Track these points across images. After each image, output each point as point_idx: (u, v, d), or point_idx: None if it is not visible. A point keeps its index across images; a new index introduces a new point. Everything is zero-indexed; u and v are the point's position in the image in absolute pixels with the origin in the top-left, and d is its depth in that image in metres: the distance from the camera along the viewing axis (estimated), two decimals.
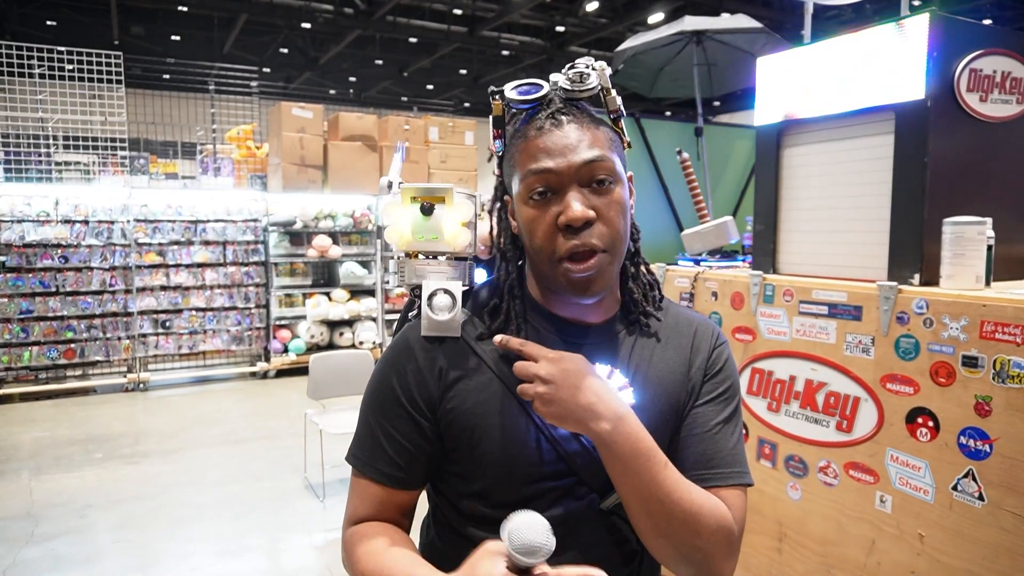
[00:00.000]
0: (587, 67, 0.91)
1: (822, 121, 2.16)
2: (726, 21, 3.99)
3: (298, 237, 7.61)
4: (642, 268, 1.02)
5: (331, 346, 7.60)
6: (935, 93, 1.83)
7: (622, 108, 0.94)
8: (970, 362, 1.67)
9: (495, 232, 1.00)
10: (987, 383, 1.64)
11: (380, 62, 16.44)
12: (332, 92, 18.67)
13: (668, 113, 15.61)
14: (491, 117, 0.94)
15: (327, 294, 7.68)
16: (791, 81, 2.25)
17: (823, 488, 2.06)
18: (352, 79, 17.91)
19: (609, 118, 0.94)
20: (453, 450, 0.93)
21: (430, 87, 18.64)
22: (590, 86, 0.90)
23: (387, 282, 7.97)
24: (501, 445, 0.89)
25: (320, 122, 7.54)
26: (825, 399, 2.05)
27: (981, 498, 1.66)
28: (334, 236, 7.77)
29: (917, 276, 1.86)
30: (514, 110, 0.93)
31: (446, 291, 0.92)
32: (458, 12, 13.23)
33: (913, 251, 1.87)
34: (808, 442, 2.11)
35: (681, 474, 0.88)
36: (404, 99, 19.36)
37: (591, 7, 12.83)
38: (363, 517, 0.94)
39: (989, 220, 1.77)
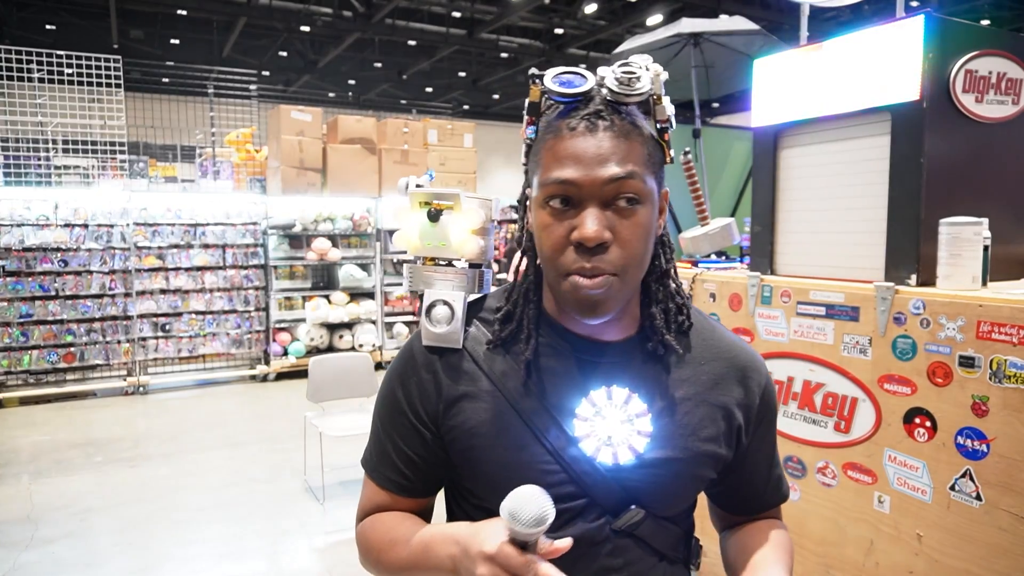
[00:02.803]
0: (641, 67, 0.82)
1: (819, 122, 2.17)
2: (723, 23, 4.00)
3: (297, 240, 7.61)
4: (671, 289, 0.93)
5: (331, 349, 7.60)
6: (931, 94, 1.83)
7: (672, 119, 0.85)
8: (967, 362, 1.68)
9: (519, 226, 0.93)
10: (984, 383, 1.64)
11: (379, 65, 16.46)
12: (331, 95, 18.69)
13: None
14: (527, 102, 0.85)
15: (326, 297, 7.68)
16: (788, 83, 2.26)
17: (821, 489, 2.07)
18: (351, 82, 17.92)
19: (656, 127, 0.85)
20: (456, 467, 0.91)
21: (429, 89, 18.66)
22: (639, 90, 0.81)
23: (388, 285, 7.97)
24: (502, 465, 0.86)
25: (319, 125, 7.54)
26: (823, 400, 2.06)
27: (979, 498, 1.66)
28: (333, 239, 7.78)
29: (914, 277, 1.86)
30: (551, 101, 0.85)
31: (444, 302, 0.89)
32: (457, 14, 13.24)
33: (910, 252, 1.88)
34: (806, 443, 2.11)
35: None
36: (403, 102, 19.37)
37: (589, 9, 12.85)
38: (372, 514, 0.96)
39: (985, 220, 1.77)
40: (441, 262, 0.93)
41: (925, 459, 1.78)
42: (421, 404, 0.89)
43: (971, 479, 1.68)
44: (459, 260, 0.94)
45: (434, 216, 0.91)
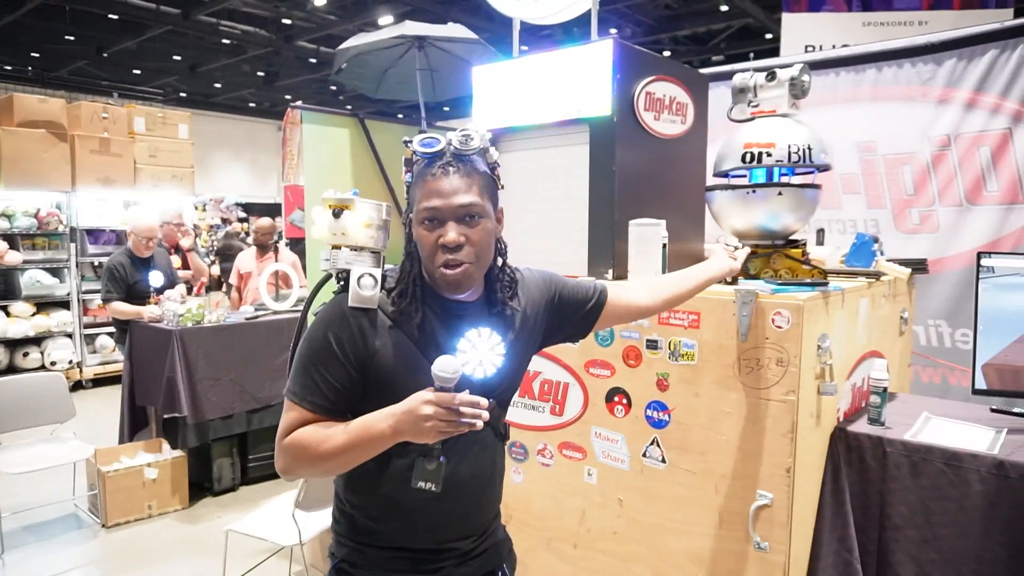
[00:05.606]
0: (473, 131, 1.26)
1: (530, 130, 2.34)
2: (445, 29, 4.13)
3: None
4: (506, 270, 1.39)
5: (12, 369, 6.43)
6: (620, 110, 2.08)
7: (498, 161, 1.32)
8: (652, 345, 1.94)
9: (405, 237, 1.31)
10: (665, 361, 1.91)
11: (72, 38, 14.23)
12: (8, 68, 15.78)
13: (400, 116, 15.75)
14: (403, 158, 1.28)
15: (4, 308, 6.47)
16: (503, 91, 2.40)
17: (541, 469, 2.24)
18: (34, 55, 15.27)
19: (489, 167, 1.30)
20: (375, 394, 1.23)
21: (137, 72, 16.61)
22: (473, 147, 1.25)
23: (87, 292, 6.92)
24: (408, 387, 1.18)
25: None
26: (540, 387, 2.23)
27: (663, 461, 1.93)
28: (12, 239, 6.57)
29: (611, 271, 2.10)
30: (418, 156, 1.26)
31: (370, 275, 1.24)
32: None
33: (607, 248, 2.11)
34: (527, 428, 2.27)
35: None
36: (104, 83, 17.01)
37: (319, 2, 12.47)
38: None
39: (663, 222, 2.05)
40: (353, 248, 1.29)
41: (623, 432, 2.02)
42: (351, 350, 1.23)
43: (658, 445, 1.94)
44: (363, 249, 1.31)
45: (337, 214, 1.27)
